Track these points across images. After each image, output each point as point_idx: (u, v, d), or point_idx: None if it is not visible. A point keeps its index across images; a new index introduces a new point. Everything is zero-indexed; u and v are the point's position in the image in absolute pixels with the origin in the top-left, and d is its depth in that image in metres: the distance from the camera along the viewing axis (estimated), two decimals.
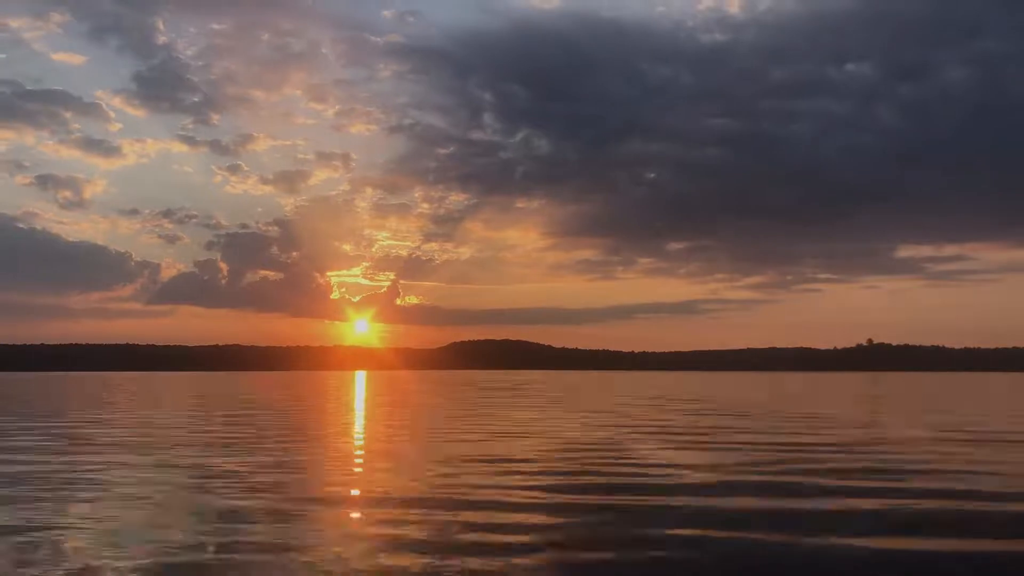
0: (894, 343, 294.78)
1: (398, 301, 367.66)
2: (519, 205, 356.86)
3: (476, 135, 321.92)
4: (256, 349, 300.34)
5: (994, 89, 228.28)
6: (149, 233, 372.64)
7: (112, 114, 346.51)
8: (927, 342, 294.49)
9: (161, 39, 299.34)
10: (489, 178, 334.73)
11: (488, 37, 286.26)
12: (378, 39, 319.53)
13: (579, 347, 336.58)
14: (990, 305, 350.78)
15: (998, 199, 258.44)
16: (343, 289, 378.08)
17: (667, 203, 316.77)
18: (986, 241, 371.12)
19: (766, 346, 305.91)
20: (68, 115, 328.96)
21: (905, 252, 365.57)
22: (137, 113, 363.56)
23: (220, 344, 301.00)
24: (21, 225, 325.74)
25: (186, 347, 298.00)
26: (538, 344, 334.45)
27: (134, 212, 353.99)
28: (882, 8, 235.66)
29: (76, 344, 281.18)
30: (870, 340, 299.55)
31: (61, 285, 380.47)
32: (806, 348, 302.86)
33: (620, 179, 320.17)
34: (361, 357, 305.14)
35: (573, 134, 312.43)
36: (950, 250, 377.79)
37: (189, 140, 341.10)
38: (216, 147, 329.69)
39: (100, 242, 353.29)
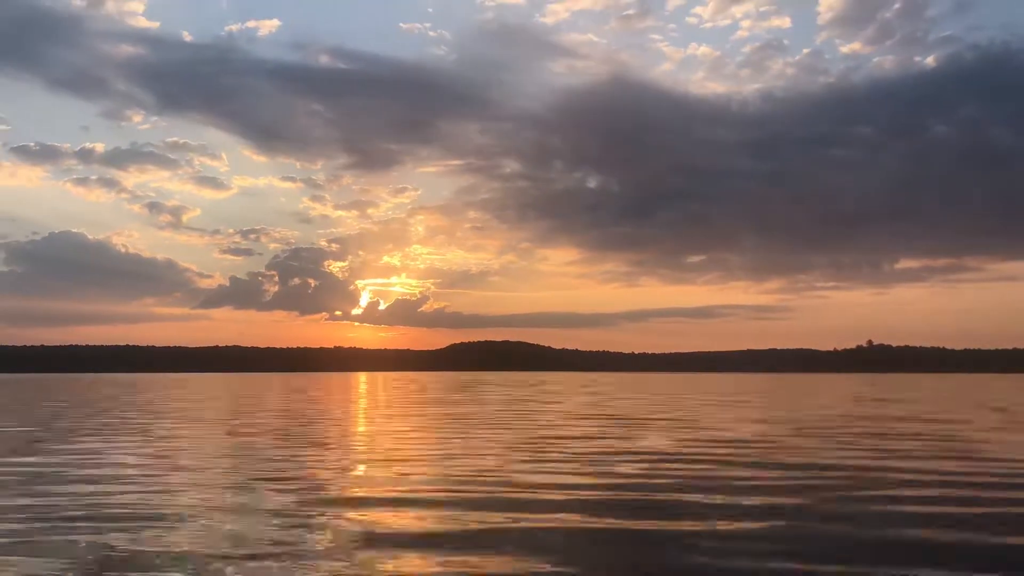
0: (894, 345, 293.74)
1: (422, 308, 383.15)
2: (558, 225, 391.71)
3: (540, 173, 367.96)
4: (256, 350, 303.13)
5: (970, 141, 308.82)
6: (223, 250, 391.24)
7: (234, 158, 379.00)
8: (927, 344, 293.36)
9: (300, 109, 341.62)
10: (539, 206, 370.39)
11: (578, 106, 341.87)
12: (483, 111, 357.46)
13: (579, 348, 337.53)
14: (989, 309, 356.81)
15: (988, 218, 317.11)
16: (376, 296, 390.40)
17: (693, 223, 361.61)
18: (981, 255, 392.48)
19: (767, 348, 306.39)
20: (198, 161, 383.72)
21: (905, 264, 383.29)
22: (259, 159, 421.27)
23: (220, 345, 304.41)
24: (106, 242, 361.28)
25: (187, 348, 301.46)
26: (537, 345, 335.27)
27: (216, 232, 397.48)
28: (883, 88, 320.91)
29: (91, 346, 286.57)
30: (870, 342, 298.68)
31: (125, 293, 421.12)
32: (806, 349, 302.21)
33: (653, 204, 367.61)
34: (360, 359, 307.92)
35: (621, 170, 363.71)
36: (946, 262, 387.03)
37: (290, 179, 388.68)
38: (310, 183, 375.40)
39: (173, 257, 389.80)
